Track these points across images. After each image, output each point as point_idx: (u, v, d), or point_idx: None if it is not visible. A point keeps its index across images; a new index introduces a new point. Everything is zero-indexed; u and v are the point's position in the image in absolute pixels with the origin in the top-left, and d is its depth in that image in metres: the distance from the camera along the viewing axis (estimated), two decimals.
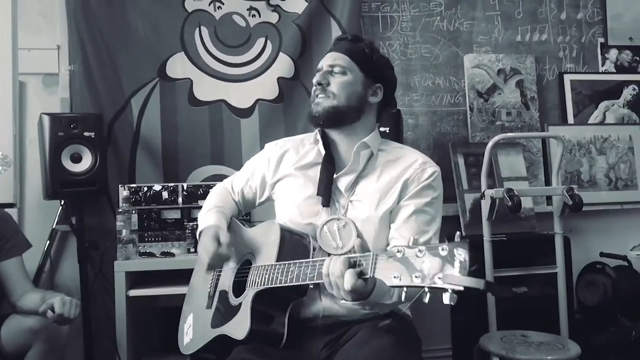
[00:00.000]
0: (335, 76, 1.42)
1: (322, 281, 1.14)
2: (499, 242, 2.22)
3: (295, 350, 1.31)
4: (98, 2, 2.41)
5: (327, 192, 1.40)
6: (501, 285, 2.26)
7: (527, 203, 2.52)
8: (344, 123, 1.42)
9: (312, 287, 1.29)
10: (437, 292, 0.89)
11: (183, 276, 1.76)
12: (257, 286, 1.29)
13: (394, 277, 0.94)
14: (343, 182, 1.42)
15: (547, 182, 2.69)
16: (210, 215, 1.50)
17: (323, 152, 1.45)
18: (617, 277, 2.54)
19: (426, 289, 0.90)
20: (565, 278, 2.19)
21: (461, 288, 0.86)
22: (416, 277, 0.91)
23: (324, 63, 1.45)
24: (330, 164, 1.44)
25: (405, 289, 0.94)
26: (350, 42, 1.48)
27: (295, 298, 1.30)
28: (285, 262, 1.25)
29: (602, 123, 2.84)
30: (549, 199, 2.61)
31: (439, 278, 0.87)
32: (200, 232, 1.48)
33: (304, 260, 1.22)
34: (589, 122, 2.83)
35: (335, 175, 1.42)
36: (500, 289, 2.24)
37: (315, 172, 1.45)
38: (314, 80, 1.44)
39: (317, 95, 1.43)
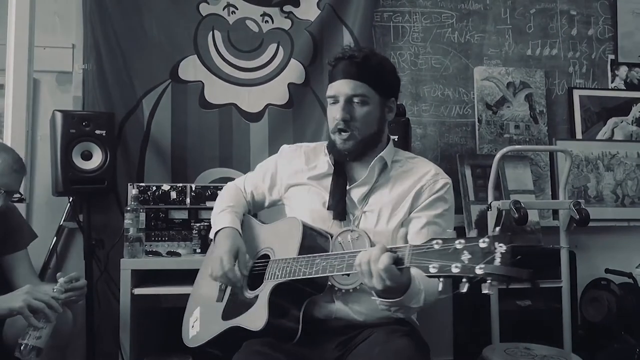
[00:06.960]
0: (356, 107, 1.38)
1: (352, 272, 1.14)
2: None
3: (307, 348, 1.31)
4: (113, 5, 2.44)
5: (339, 207, 1.40)
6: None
7: (533, 216, 2.52)
8: (368, 151, 1.43)
9: (329, 285, 1.31)
10: (476, 283, 0.91)
11: (188, 277, 1.76)
12: (277, 278, 1.29)
13: (432, 268, 0.96)
14: (356, 194, 1.43)
15: (554, 197, 2.68)
16: (224, 216, 1.51)
17: (332, 167, 1.45)
18: (622, 295, 2.53)
19: (464, 279, 0.92)
20: (570, 293, 2.18)
21: (504, 277, 0.87)
22: (456, 267, 0.92)
23: (341, 91, 1.38)
24: (341, 178, 1.43)
25: (441, 279, 0.96)
26: (362, 63, 1.38)
27: (312, 294, 1.31)
28: (309, 255, 1.26)
29: (611, 139, 2.85)
30: (555, 213, 2.61)
31: (480, 268, 0.89)
32: (217, 232, 1.48)
33: (331, 253, 1.22)
34: (597, 138, 2.83)
35: (348, 187, 1.43)
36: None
37: (329, 182, 1.45)
38: (337, 116, 1.37)
39: (340, 131, 1.38)
